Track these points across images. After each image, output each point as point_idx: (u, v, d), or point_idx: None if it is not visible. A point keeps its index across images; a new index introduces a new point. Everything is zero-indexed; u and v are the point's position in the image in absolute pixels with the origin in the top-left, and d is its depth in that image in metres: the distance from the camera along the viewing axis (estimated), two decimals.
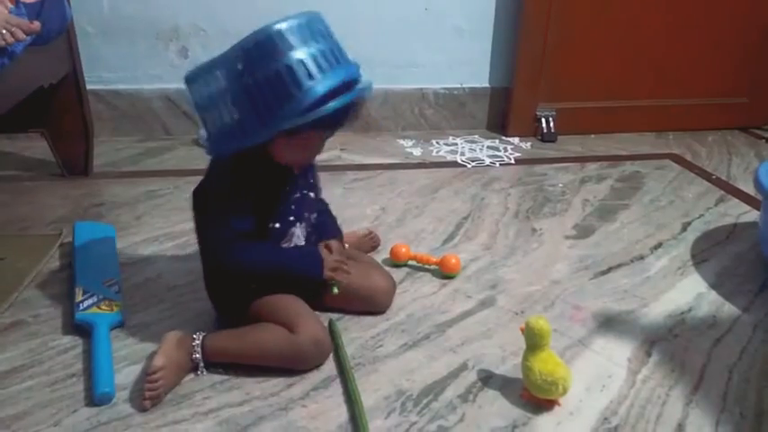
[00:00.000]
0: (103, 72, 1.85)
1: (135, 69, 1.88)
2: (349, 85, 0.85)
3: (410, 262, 1.24)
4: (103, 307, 1.03)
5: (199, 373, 0.92)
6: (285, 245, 0.99)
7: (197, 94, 0.88)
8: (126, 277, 1.16)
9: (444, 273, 1.20)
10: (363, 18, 1.91)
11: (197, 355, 0.91)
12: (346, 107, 0.86)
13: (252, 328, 0.94)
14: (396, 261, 1.23)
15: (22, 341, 0.99)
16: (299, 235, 1.00)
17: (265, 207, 0.95)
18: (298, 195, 0.99)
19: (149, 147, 1.86)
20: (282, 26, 0.81)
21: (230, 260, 0.93)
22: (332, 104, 0.81)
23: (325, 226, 1.08)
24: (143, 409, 0.85)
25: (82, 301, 1.03)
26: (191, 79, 0.88)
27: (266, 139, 0.85)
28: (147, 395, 0.85)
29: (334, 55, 0.84)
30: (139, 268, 1.20)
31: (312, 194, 1.03)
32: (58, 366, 0.93)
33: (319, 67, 0.82)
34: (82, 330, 0.99)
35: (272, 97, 0.81)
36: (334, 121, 0.87)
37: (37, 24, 1.15)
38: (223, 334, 0.95)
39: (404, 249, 1.23)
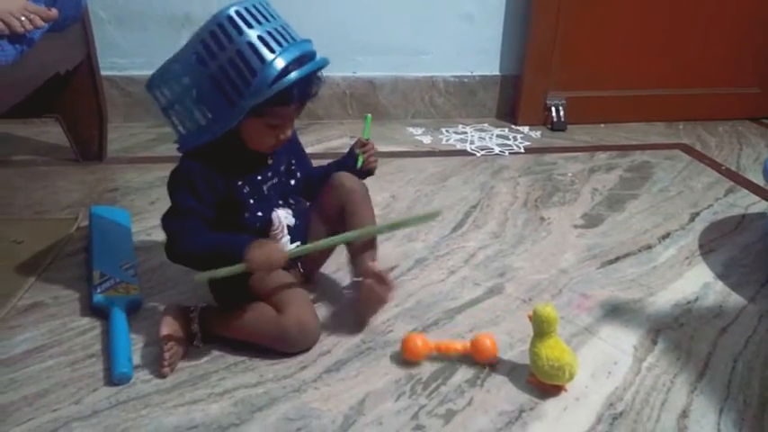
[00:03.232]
0: (117, 58, 1.86)
1: (148, 56, 1.87)
2: (304, 60, 0.89)
3: (433, 354, 0.94)
4: (120, 290, 1.05)
5: (196, 344, 0.95)
6: (275, 232, 1.01)
7: (161, 98, 0.93)
8: (142, 261, 1.18)
9: (479, 360, 0.93)
10: (373, 5, 1.91)
11: (195, 326, 0.95)
12: (308, 79, 0.90)
13: (244, 306, 0.96)
14: (413, 359, 0.93)
15: (41, 322, 1.01)
16: (285, 216, 1.02)
17: (238, 197, 0.96)
18: (276, 182, 1.01)
19: (162, 132, 1.87)
20: (232, 11, 0.86)
21: (174, 252, 0.94)
22: (295, 74, 0.86)
23: (338, 165, 1.12)
24: (162, 377, 0.90)
25: (99, 284, 1.05)
26: (152, 85, 0.93)
27: (236, 121, 0.88)
28: (167, 363, 0.89)
29: (285, 32, 0.88)
30: (155, 252, 1.22)
31: (293, 182, 1.05)
32: (77, 347, 0.96)
33: (277, 42, 0.86)
34: (100, 312, 1.02)
35: (237, 76, 0.85)
36: (299, 94, 0.90)
37: (54, 11, 1.16)
38: (217, 308, 0.99)
39: (420, 342, 0.93)
